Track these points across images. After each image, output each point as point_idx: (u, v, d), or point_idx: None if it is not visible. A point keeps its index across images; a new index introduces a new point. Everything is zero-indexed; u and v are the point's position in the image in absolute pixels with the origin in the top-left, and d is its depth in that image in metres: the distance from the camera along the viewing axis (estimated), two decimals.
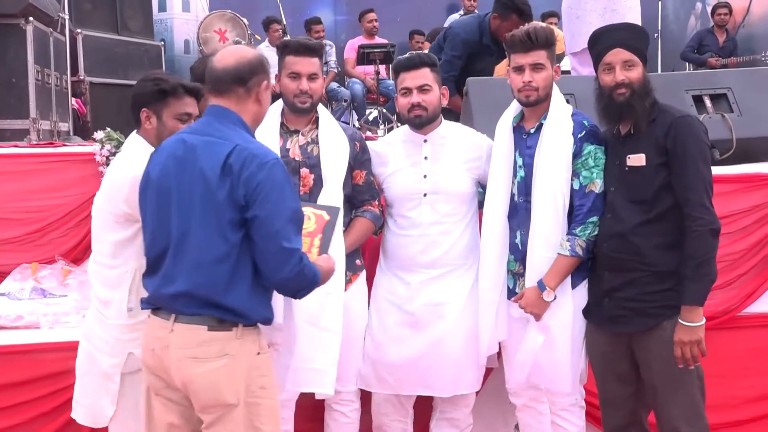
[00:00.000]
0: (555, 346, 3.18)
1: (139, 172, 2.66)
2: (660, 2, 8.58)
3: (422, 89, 3.32)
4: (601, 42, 3.10)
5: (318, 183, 3.26)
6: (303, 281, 2.51)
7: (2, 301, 3.87)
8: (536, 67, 3.17)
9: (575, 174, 3.16)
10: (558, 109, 3.22)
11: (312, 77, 3.28)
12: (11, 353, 3.53)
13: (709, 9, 10.10)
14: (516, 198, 3.27)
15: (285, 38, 7.69)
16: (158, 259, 2.56)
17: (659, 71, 8.17)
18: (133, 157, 2.90)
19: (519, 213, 3.25)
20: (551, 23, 8.93)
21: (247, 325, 2.52)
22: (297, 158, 3.29)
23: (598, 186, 3.13)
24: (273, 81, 8.58)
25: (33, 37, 5.50)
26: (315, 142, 3.32)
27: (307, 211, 2.80)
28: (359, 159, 3.41)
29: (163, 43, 8.12)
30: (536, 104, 3.21)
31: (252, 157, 2.44)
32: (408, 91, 3.34)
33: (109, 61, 6.84)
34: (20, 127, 5.46)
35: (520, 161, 3.27)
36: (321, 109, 3.41)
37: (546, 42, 3.19)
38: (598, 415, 3.35)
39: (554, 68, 3.23)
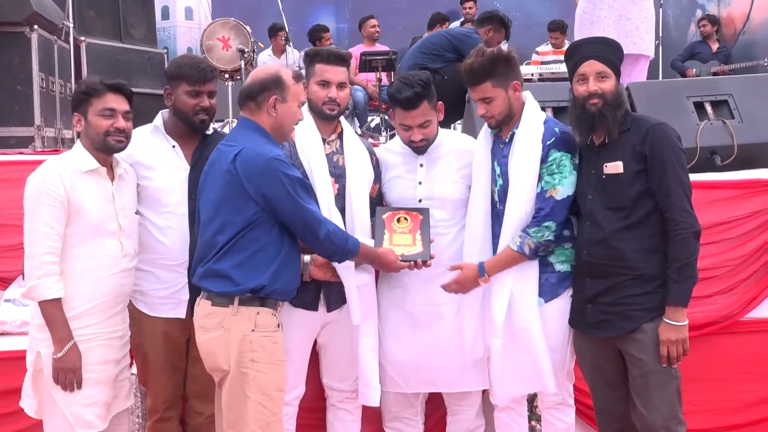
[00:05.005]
0: (529, 350, 3.23)
1: (41, 179, 2.96)
2: (661, 9, 8.62)
3: (422, 126, 3.35)
4: (576, 54, 3.18)
5: (342, 192, 3.32)
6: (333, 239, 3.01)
7: (7, 307, 3.88)
8: (485, 100, 3.24)
9: (539, 178, 3.21)
10: (530, 118, 3.27)
11: (341, 86, 3.34)
12: (16, 359, 3.53)
13: None
14: (498, 206, 3.33)
15: (288, 45, 7.75)
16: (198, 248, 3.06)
17: (660, 78, 8.19)
18: (48, 163, 3.02)
19: (500, 220, 3.30)
20: (555, 37, 8.96)
21: (244, 302, 2.91)
22: None
23: (559, 192, 3.17)
24: None
25: (37, 44, 5.56)
26: (340, 152, 3.39)
27: (403, 213, 3.34)
28: (375, 173, 3.49)
29: (166, 50, 8.13)
30: (501, 125, 3.29)
31: (254, 155, 2.89)
32: (408, 128, 3.37)
33: (112, 69, 6.86)
34: (25, 135, 5.52)
35: (498, 170, 3.33)
36: (343, 120, 3.48)
37: (484, 72, 3.20)
38: (592, 415, 3.40)
39: (512, 85, 3.24)
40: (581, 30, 5.18)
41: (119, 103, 3.05)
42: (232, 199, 2.92)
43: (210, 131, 3.37)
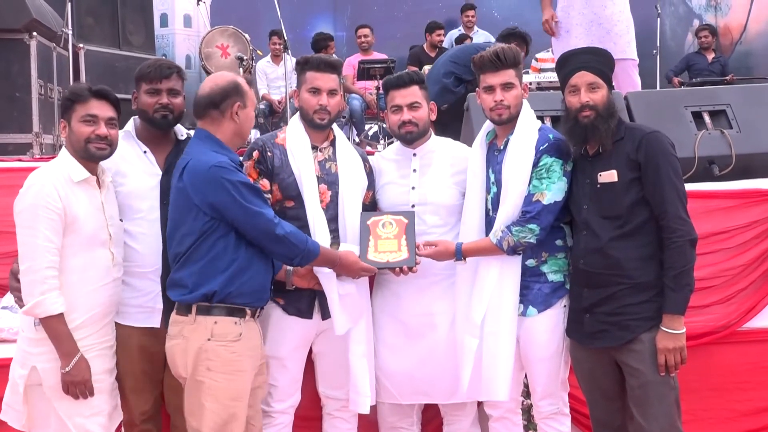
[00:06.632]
0: (493, 355, 3.24)
1: (36, 190, 2.90)
2: (658, 19, 8.68)
3: (412, 106, 3.40)
4: (567, 65, 3.19)
5: (335, 199, 3.33)
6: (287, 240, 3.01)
7: (4, 315, 3.82)
8: (506, 86, 3.26)
9: (529, 182, 3.23)
10: (524, 125, 3.29)
11: (332, 93, 3.35)
12: None
13: None
14: (491, 213, 3.33)
15: (287, 53, 7.78)
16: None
17: (658, 87, 8.23)
18: (39, 173, 2.98)
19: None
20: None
21: (202, 311, 2.95)
22: (317, 174, 3.34)
23: (546, 197, 3.18)
24: (265, 91, 8.50)
25: (36, 51, 5.59)
26: (332, 159, 3.40)
27: (388, 218, 3.30)
28: (369, 180, 3.49)
29: (164, 58, 8.15)
30: (508, 122, 3.29)
31: (199, 165, 2.92)
32: (398, 109, 3.42)
33: (110, 76, 6.88)
34: (23, 141, 5.55)
35: (492, 177, 3.35)
36: (335, 127, 3.49)
37: (514, 61, 3.28)
38: (588, 423, 3.40)
39: (522, 86, 3.32)
40: (558, 41, 5.21)
41: (102, 110, 3.01)
42: (184, 211, 2.95)
43: (183, 137, 3.35)
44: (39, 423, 2.98)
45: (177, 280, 2.99)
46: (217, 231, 2.94)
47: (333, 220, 3.32)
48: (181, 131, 3.36)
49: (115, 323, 3.17)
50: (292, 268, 3.22)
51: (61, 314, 2.89)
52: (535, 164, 3.22)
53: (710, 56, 9.51)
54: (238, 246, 2.97)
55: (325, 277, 3.21)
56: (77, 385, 2.91)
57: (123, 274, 3.15)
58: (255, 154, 3.34)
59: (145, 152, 3.24)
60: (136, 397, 3.22)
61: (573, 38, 4.99)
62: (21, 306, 2.97)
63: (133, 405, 3.23)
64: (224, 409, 2.93)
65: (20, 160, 4.87)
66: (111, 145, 3.03)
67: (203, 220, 2.93)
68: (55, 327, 2.88)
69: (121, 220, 3.16)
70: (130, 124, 3.29)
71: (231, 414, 2.94)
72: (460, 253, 3.26)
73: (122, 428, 3.45)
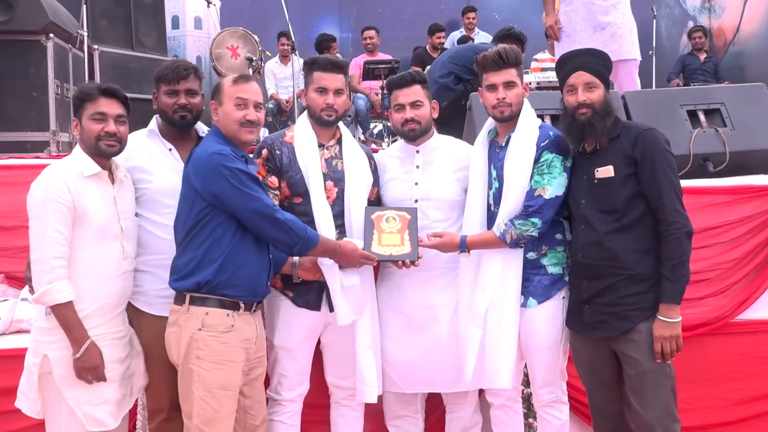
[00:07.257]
0: (497, 345, 3.32)
1: (49, 182, 2.99)
2: (654, 21, 8.78)
3: (414, 105, 3.49)
4: (566, 65, 3.29)
5: (341, 196, 3.43)
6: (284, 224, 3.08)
7: (23, 306, 3.92)
8: (508, 84, 3.35)
9: (531, 177, 3.32)
10: (526, 122, 3.38)
11: (338, 92, 3.43)
12: None
13: None
14: (492, 208, 3.42)
15: (294, 54, 7.89)
16: None
17: (654, 87, 8.32)
18: (51, 168, 3.05)
19: (495, 223, 3.38)
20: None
21: (195, 302, 3.04)
22: (324, 171, 3.43)
23: (547, 192, 3.27)
24: (273, 91, 8.52)
25: (53, 53, 5.66)
26: (339, 156, 3.48)
27: (391, 213, 3.40)
28: (374, 177, 3.58)
29: (176, 59, 8.24)
30: (510, 119, 3.38)
31: (201, 153, 3.06)
32: (401, 107, 3.51)
33: (124, 76, 6.92)
34: (40, 139, 5.61)
35: (494, 173, 3.43)
36: (342, 125, 3.57)
37: (516, 61, 3.38)
38: (586, 411, 3.49)
39: (524, 86, 3.42)
40: (561, 45, 5.30)
41: (111, 107, 3.08)
42: (187, 198, 3.06)
43: (204, 134, 3.38)
44: (53, 410, 3.04)
45: (175, 267, 3.09)
46: (214, 219, 3.02)
47: (339, 215, 3.39)
48: (202, 129, 3.42)
49: (145, 314, 3.26)
50: (297, 260, 3.29)
51: (70, 302, 2.95)
52: (537, 160, 3.30)
53: (702, 57, 9.62)
54: (234, 236, 3.04)
55: (328, 268, 3.28)
56: (89, 371, 2.98)
57: (152, 267, 3.23)
58: (264, 152, 3.42)
59: (170, 150, 3.31)
60: (165, 385, 3.25)
61: (576, 43, 5.05)
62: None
63: (162, 393, 3.28)
64: (213, 397, 3.01)
65: (38, 158, 4.95)
66: (120, 142, 3.10)
67: (200, 206, 3.01)
68: (64, 315, 2.95)
69: (136, 214, 3.22)
70: (153, 123, 3.36)
71: (219, 402, 3.02)
72: (464, 245, 3.34)
73: (138, 415, 3.56)
